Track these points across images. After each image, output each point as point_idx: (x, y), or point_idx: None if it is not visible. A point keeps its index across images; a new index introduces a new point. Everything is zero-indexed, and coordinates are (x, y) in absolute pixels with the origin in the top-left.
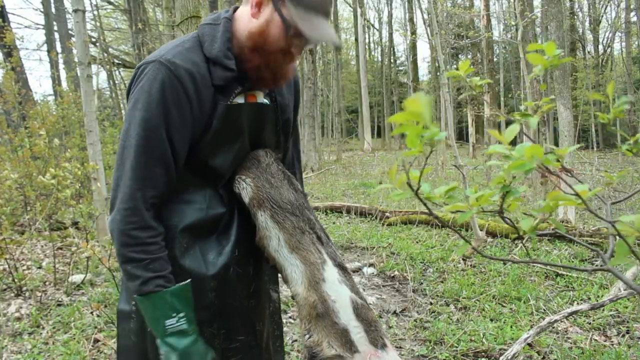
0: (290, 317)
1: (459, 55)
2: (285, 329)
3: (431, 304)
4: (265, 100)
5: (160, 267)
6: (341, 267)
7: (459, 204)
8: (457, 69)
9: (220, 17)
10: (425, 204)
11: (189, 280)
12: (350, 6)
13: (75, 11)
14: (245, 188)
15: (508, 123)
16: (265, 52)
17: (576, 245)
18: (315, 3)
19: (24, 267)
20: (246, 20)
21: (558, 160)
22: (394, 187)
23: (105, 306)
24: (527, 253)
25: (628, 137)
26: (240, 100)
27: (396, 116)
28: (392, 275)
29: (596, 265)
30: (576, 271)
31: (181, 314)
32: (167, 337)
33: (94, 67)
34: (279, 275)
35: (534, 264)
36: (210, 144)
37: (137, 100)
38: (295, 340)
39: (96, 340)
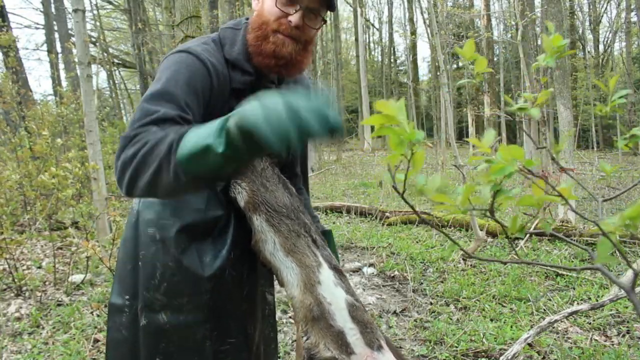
0: (290, 317)
1: (459, 55)
2: (286, 328)
3: (431, 304)
4: None
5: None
6: (336, 270)
7: (446, 197)
8: (457, 67)
9: (241, 23)
10: (410, 205)
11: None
12: (350, 6)
13: (75, 11)
14: (241, 192)
15: (508, 123)
16: (263, 24)
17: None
18: None
19: (24, 267)
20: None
21: (554, 159)
22: (388, 179)
23: (105, 306)
24: (516, 253)
25: (626, 131)
26: None
27: (371, 119)
28: (392, 275)
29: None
30: (575, 271)
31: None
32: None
33: (94, 67)
34: (275, 278)
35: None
36: None
37: (168, 67)
38: (295, 341)
39: (96, 340)
